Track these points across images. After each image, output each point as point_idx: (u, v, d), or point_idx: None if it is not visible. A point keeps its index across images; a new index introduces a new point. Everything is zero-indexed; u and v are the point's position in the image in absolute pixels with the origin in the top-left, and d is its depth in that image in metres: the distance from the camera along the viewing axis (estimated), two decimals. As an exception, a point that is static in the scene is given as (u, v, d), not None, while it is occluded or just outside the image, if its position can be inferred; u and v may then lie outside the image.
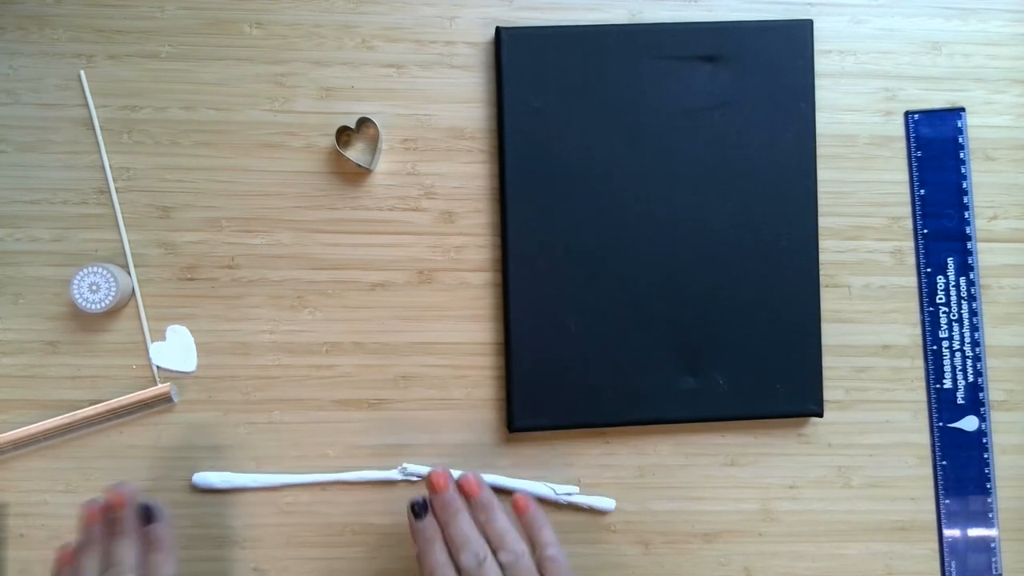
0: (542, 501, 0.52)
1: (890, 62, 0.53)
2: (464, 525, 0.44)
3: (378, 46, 0.51)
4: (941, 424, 0.53)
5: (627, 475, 0.52)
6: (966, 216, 0.53)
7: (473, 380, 0.51)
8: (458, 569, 0.43)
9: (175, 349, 0.50)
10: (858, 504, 0.53)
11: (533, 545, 0.45)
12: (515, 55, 0.50)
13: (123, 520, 0.44)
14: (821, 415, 0.52)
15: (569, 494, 0.51)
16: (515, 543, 0.44)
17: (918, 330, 0.53)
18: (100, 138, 0.50)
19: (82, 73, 0.50)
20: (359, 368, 0.51)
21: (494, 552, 0.44)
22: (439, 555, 0.44)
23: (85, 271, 0.48)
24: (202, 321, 0.51)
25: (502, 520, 0.45)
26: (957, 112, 0.53)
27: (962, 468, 0.53)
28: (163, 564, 0.44)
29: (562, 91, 0.50)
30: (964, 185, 0.53)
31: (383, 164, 0.51)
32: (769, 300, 0.51)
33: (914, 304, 0.53)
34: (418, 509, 0.44)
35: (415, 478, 0.50)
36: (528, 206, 0.50)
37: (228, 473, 0.50)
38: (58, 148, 0.50)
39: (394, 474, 0.51)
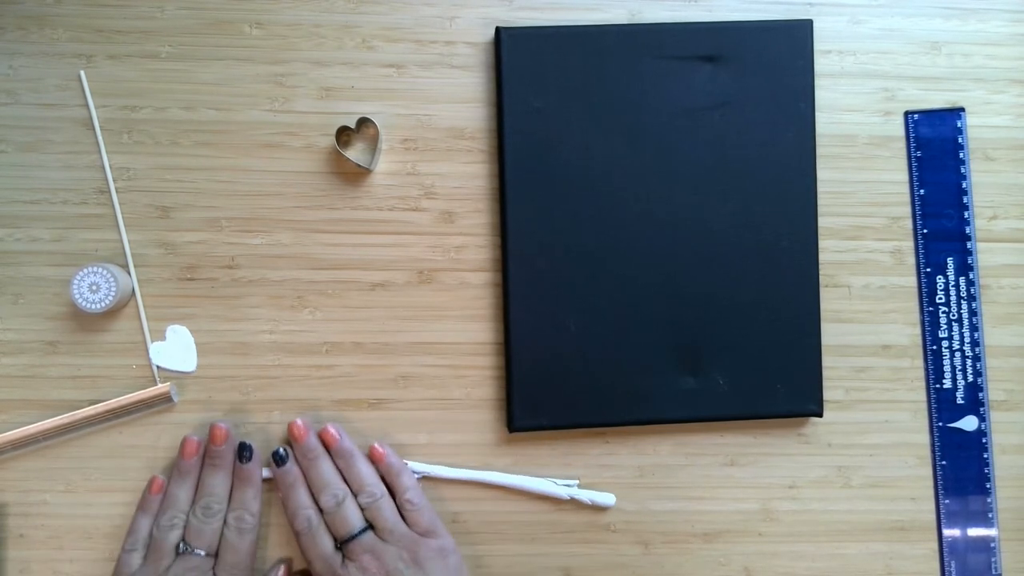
0: (544, 498, 0.52)
1: (890, 62, 0.53)
2: (324, 470, 0.48)
3: (378, 46, 0.51)
4: (941, 424, 0.53)
5: (627, 475, 0.52)
6: (966, 216, 0.53)
7: (473, 380, 0.51)
8: (320, 511, 0.47)
9: (175, 349, 0.50)
10: (858, 504, 0.53)
11: (393, 490, 0.48)
12: (515, 55, 0.50)
13: (221, 455, 0.48)
14: (821, 415, 0.52)
15: (569, 485, 0.51)
16: (373, 486, 0.48)
17: (918, 330, 0.53)
18: (100, 138, 0.50)
19: (82, 73, 0.50)
20: (359, 368, 0.51)
21: (354, 495, 0.48)
22: (302, 498, 0.48)
23: (85, 271, 0.48)
24: (202, 321, 0.51)
25: (361, 466, 0.48)
26: (957, 112, 0.53)
27: (962, 468, 0.53)
28: (252, 500, 0.48)
29: (562, 91, 0.50)
30: (964, 185, 0.53)
31: (383, 164, 0.51)
32: (769, 300, 0.51)
33: (914, 304, 0.53)
34: (279, 457, 0.48)
35: (418, 475, 0.50)
36: (528, 206, 0.50)
37: None
38: (58, 148, 0.50)
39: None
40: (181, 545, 0.46)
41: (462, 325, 0.51)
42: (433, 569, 0.46)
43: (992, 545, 0.53)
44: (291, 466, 0.48)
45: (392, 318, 0.51)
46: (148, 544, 0.47)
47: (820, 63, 0.52)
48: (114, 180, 0.50)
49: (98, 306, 0.48)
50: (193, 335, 0.50)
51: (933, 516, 0.53)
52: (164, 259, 0.50)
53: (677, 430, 0.52)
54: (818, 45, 0.52)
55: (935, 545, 0.53)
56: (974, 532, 0.53)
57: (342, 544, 0.47)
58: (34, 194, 0.50)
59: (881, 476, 0.53)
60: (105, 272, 0.48)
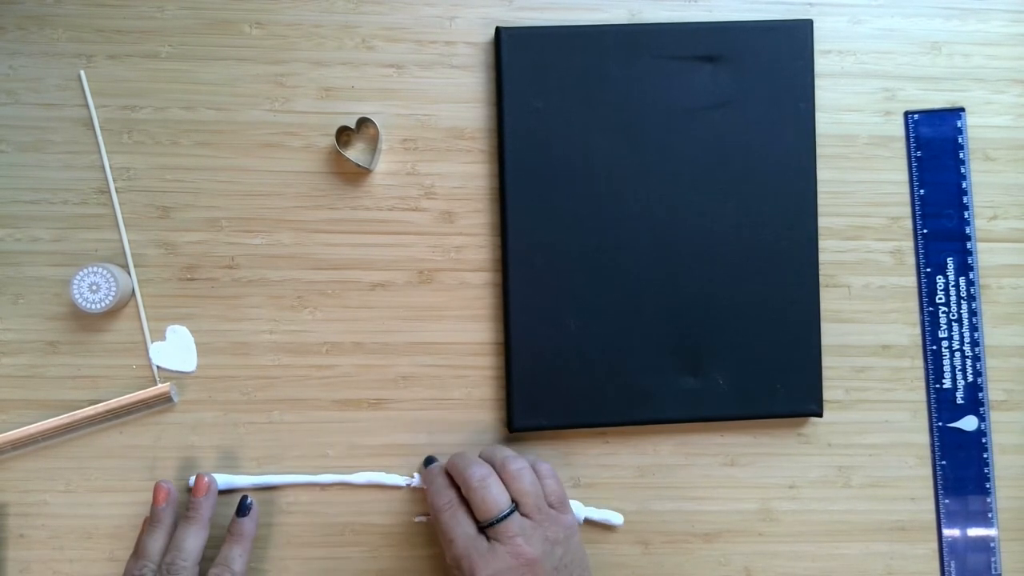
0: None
1: (890, 62, 0.53)
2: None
3: (378, 46, 0.51)
4: (941, 424, 0.53)
5: (627, 475, 0.52)
6: (966, 216, 0.53)
7: (473, 380, 0.51)
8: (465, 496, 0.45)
9: (175, 349, 0.50)
10: (858, 504, 0.53)
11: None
12: (515, 55, 0.50)
13: (198, 507, 0.47)
14: (821, 415, 0.52)
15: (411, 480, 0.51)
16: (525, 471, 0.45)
17: (918, 330, 0.53)
18: (100, 138, 0.50)
19: (82, 73, 0.50)
20: (359, 368, 0.51)
21: (514, 502, 0.45)
22: (462, 520, 0.44)
23: (85, 271, 0.48)
24: (202, 321, 0.51)
25: (524, 469, 0.45)
26: (957, 112, 0.53)
27: (962, 468, 0.53)
28: (238, 558, 0.47)
29: (562, 91, 0.50)
30: (964, 185, 0.53)
31: (383, 164, 0.51)
32: (769, 300, 0.51)
33: (914, 304, 0.53)
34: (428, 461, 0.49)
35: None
36: (528, 206, 0.50)
37: (227, 475, 0.50)
38: (58, 148, 0.50)
39: (398, 479, 0.51)
40: None
41: (462, 325, 0.51)
42: (572, 541, 0.45)
43: (992, 545, 0.53)
44: (446, 484, 0.46)
45: (392, 318, 0.51)
46: None
47: (820, 63, 0.52)
48: (114, 180, 0.50)
49: (98, 306, 0.48)
50: (193, 335, 0.50)
51: (933, 516, 0.53)
52: (164, 259, 0.50)
53: (677, 430, 0.52)
54: (818, 45, 0.52)
55: (935, 545, 0.53)
56: (974, 532, 0.53)
57: (487, 527, 0.44)
58: (34, 194, 0.50)
59: (881, 476, 0.53)
60: (105, 272, 0.48)
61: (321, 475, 0.50)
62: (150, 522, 0.47)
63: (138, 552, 0.46)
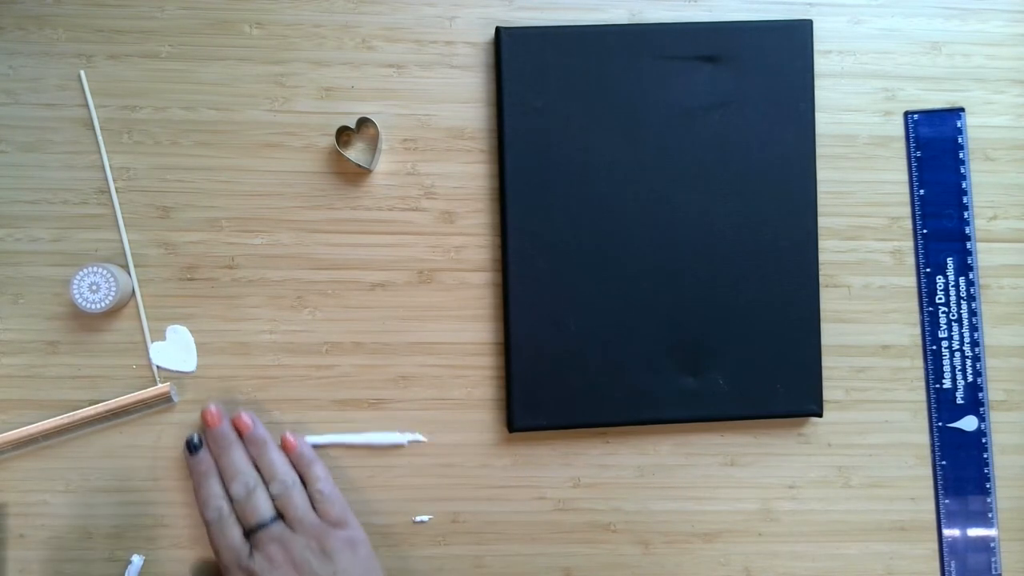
0: (544, 498, 0.52)
1: (890, 62, 0.53)
2: (235, 458, 0.48)
3: (378, 46, 0.51)
4: (941, 424, 0.53)
5: (627, 475, 0.52)
6: (966, 216, 0.53)
7: (473, 380, 0.51)
8: (231, 499, 0.47)
9: (175, 349, 0.50)
10: (858, 504, 0.53)
11: (305, 480, 0.48)
12: (515, 55, 0.50)
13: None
14: (821, 415, 0.52)
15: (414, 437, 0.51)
16: (285, 475, 0.48)
17: (918, 330, 0.53)
18: (100, 138, 0.50)
19: (82, 73, 0.50)
20: (359, 368, 0.51)
21: (266, 484, 0.47)
22: (214, 487, 0.47)
23: (85, 271, 0.48)
24: (202, 321, 0.51)
25: (273, 454, 0.48)
26: (957, 112, 0.53)
27: (962, 468, 0.53)
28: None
29: (562, 91, 0.50)
30: (964, 185, 0.53)
31: (383, 164, 0.51)
32: (769, 300, 0.51)
33: (914, 304, 0.53)
34: (192, 444, 0.48)
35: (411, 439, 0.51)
36: (528, 206, 0.50)
37: None
38: (58, 148, 0.50)
39: (399, 437, 0.51)
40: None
41: (462, 325, 0.51)
42: (342, 560, 0.45)
43: (992, 545, 0.53)
44: (204, 454, 0.48)
45: (392, 318, 0.51)
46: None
47: (820, 63, 0.52)
48: (114, 180, 0.50)
49: (98, 306, 0.48)
50: (193, 335, 0.50)
51: (933, 516, 0.53)
52: (164, 259, 0.50)
53: (677, 430, 0.52)
54: (818, 45, 0.52)
55: (935, 545, 0.53)
56: (974, 532, 0.53)
57: (250, 534, 0.46)
58: (34, 194, 0.50)
59: (881, 476, 0.53)
60: (105, 272, 0.48)
61: (322, 436, 0.51)
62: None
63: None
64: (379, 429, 0.51)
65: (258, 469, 0.48)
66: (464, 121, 0.51)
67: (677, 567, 0.52)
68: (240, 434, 0.48)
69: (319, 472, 0.48)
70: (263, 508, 0.46)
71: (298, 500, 0.47)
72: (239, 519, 0.47)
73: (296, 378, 0.51)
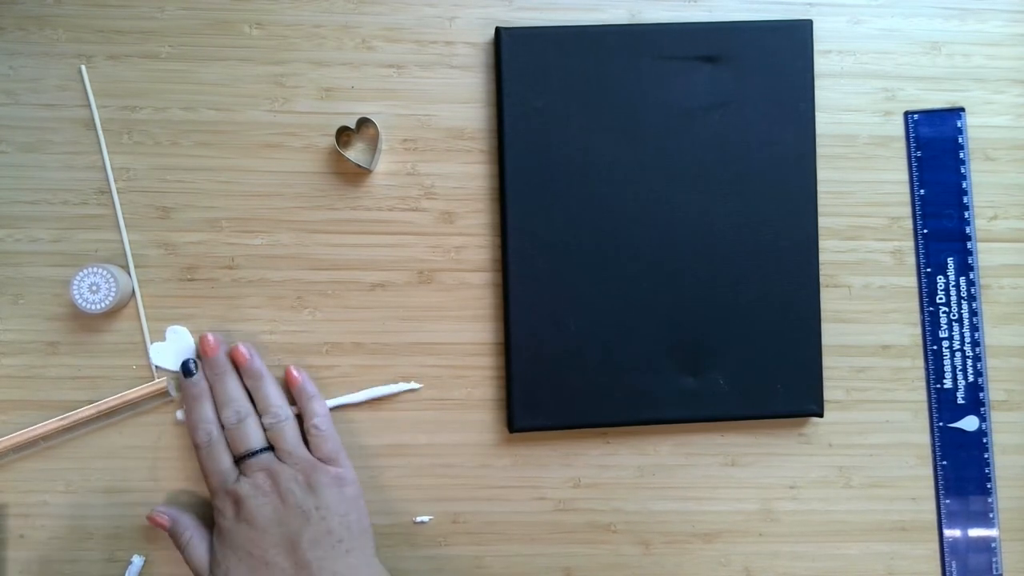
0: (544, 498, 0.52)
1: (890, 62, 0.53)
2: (230, 386, 0.48)
3: (378, 46, 0.51)
4: (941, 424, 0.53)
5: (627, 475, 0.52)
6: (966, 216, 0.53)
7: (473, 380, 0.51)
8: (223, 427, 0.47)
9: (175, 349, 0.50)
10: (858, 504, 0.53)
11: (303, 414, 0.49)
12: (515, 55, 0.50)
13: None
14: (821, 415, 0.52)
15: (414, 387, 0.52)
16: (279, 408, 0.48)
17: (918, 330, 0.53)
18: (101, 137, 0.50)
19: (83, 68, 0.50)
20: (359, 368, 0.51)
21: (260, 416, 0.48)
22: (205, 411, 0.48)
23: (85, 271, 0.48)
24: (202, 321, 0.50)
25: (270, 387, 0.49)
26: (957, 112, 0.53)
27: (962, 468, 0.53)
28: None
29: (562, 91, 0.50)
30: (964, 185, 0.53)
31: (383, 164, 0.51)
32: (769, 300, 0.51)
33: (914, 304, 0.53)
34: (187, 368, 0.49)
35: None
36: (528, 206, 0.50)
37: None
38: (58, 148, 0.50)
39: (404, 385, 0.51)
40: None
41: (462, 325, 0.51)
42: (327, 495, 0.46)
43: (993, 545, 0.53)
44: (199, 378, 0.48)
45: (392, 318, 0.51)
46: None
47: (820, 63, 0.52)
48: (114, 180, 0.50)
49: (98, 306, 0.48)
50: (193, 335, 0.50)
51: (934, 516, 0.53)
52: (164, 259, 0.50)
53: (677, 430, 0.52)
54: (818, 45, 0.52)
55: (936, 545, 0.53)
56: (975, 532, 0.53)
57: (240, 461, 0.47)
58: (34, 194, 0.50)
59: (881, 476, 0.53)
60: (105, 272, 0.48)
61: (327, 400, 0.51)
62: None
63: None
64: (379, 430, 0.51)
65: (254, 402, 0.48)
66: (464, 121, 0.51)
67: (677, 567, 0.52)
68: (237, 366, 0.49)
69: (317, 408, 0.49)
70: (253, 437, 0.47)
71: (289, 433, 0.47)
72: (229, 446, 0.47)
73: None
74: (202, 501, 0.50)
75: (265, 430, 0.48)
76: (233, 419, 0.47)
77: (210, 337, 0.49)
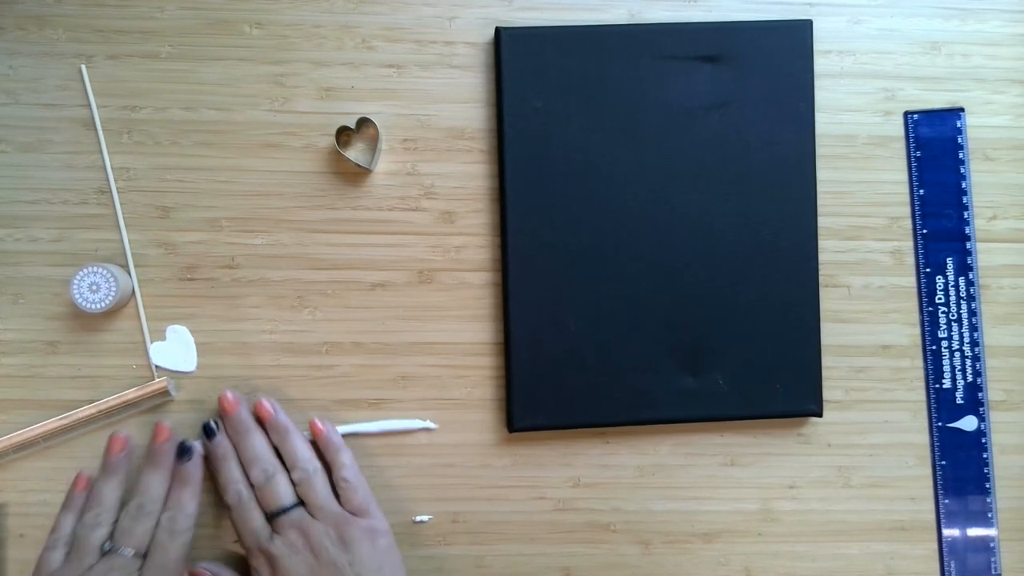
0: (544, 498, 0.52)
1: (889, 62, 0.53)
2: (255, 443, 0.47)
3: (378, 46, 0.51)
4: (940, 424, 0.53)
5: (627, 475, 0.52)
6: (965, 216, 0.53)
7: (473, 380, 0.51)
8: (252, 486, 0.47)
9: (175, 349, 0.50)
10: (858, 504, 0.53)
11: (331, 467, 0.48)
12: (515, 55, 0.50)
13: (162, 453, 0.47)
14: (821, 415, 0.52)
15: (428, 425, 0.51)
16: (307, 462, 0.47)
17: (917, 330, 0.53)
18: (101, 137, 0.50)
19: (83, 68, 0.50)
20: (359, 368, 0.51)
21: (288, 471, 0.47)
22: (233, 471, 0.47)
23: (85, 271, 0.48)
24: (202, 321, 0.51)
25: (296, 441, 0.48)
26: (956, 112, 0.53)
27: (961, 468, 0.53)
28: (189, 501, 0.46)
29: (562, 91, 0.50)
30: (963, 185, 0.53)
31: (383, 164, 0.51)
32: (769, 300, 0.51)
33: (914, 304, 0.53)
34: (209, 429, 0.48)
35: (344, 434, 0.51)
36: (528, 206, 0.50)
37: None
38: (58, 148, 0.50)
39: (419, 423, 0.51)
40: (107, 544, 0.45)
41: (462, 325, 0.51)
42: (360, 550, 0.45)
43: (992, 545, 0.53)
44: (222, 439, 0.48)
45: (392, 318, 0.51)
46: (71, 542, 0.46)
47: (820, 63, 0.52)
48: (114, 180, 0.50)
49: (98, 306, 0.48)
50: (193, 335, 0.50)
51: (933, 516, 0.53)
52: (164, 259, 0.50)
53: (677, 430, 0.52)
54: (818, 45, 0.52)
55: (935, 545, 0.53)
56: (974, 532, 0.53)
57: (271, 519, 0.46)
58: (34, 194, 0.50)
59: (881, 476, 0.53)
60: (105, 272, 0.48)
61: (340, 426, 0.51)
62: (104, 470, 0.47)
63: (94, 500, 0.46)
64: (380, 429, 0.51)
65: (280, 455, 0.48)
66: (464, 121, 0.51)
67: (677, 567, 0.52)
68: (261, 421, 0.48)
69: (345, 459, 0.48)
70: (283, 494, 0.46)
71: (319, 487, 0.47)
72: (259, 504, 0.46)
73: (296, 378, 0.51)
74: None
75: (294, 485, 0.47)
76: (261, 478, 0.46)
77: (229, 395, 0.48)
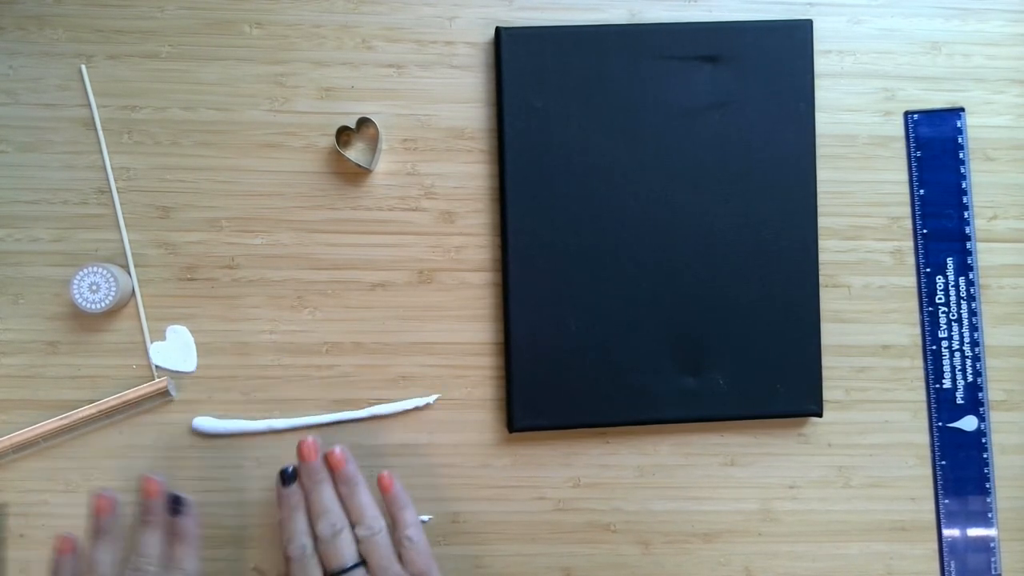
0: (544, 498, 0.52)
1: (889, 62, 0.53)
2: (325, 496, 0.45)
3: (378, 46, 0.51)
4: (940, 424, 0.53)
5: (627, 475, 0.52)
6: (966, 216, 0.53)
7: (473, 380, 0.51)
8: (316, 538, 0.45)
9: (175, 349, 0.50)
10: (858, 504, 0.53)
11: (394, 524, 0.46)
12: (515, 55, 0.50)
13: (155, 510, 0.45)
14: (821, 415, 0.52)
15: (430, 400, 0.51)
16: (373, 519, 0.45)
17: (918, 330, 0.53)
18: (101, 137, 0.50)
19: (83, 67, 0.50)
20: (359, 368, 0.51)
21: (353, 526, 0.45)
22: (300, 523, 0.45)
23: (85, 271, 0.48)
24: (202, 321, 0.51)
25: (363, 496, 0.46)
26: (957, 112, 0.53)
27: (961, 468, 0.53)
28: (187, 558, 0.44)
29: (562, 91, 0.50)
30: (964, 185, 0.53)
31: (383, 164, 0.51)
32: (769, 300, 0.51)
33: (914, 304, 0.53)
34: (287, 475, 0.46)
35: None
36: (528, 206, 0.50)
37: (230, 420, 0.50)
38: (58, 148, 0.50)
39: (417, 401, 0.51)
40: None
41: (462, 325, 0.51)
42: None
43: (992, 545, 0.53)
44: (296, 488, 0.45)
45: (392, 318, 0.51)
46: None
47: (820, 63, 0.52)
48: (114, 180, 0.50)
49: (98, 306, 0.48)
50: (193, 335, 0.50)
51: (933, 516, 0.53)
52: (164, 259, 0.50)
53: (677, 430, 0.52)
54: (818, 45, 0.52)
55: (935, 545, 0.53)
56: (974, 532, 0.53)
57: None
58: (34, 194, 0.50)
59: (881, 476, 0.53)
60: (105, 272, 0.48)
61: (333, 414, 0.50)
62: (95, 534, 0.44)
63: (89, 568, 0.43)
64: (380, 429, 0.51)
65: (345, 507, 0.46)
66: (464, 121, 0.51)
67: (677, 567, 0.52)
68: (331, 470, 0.46)
69: (409, 518, 0.46)
70: (347, 552, 0.44)
71: (384, 548, 0.45)
72: (321, 559, 0.44)
73: (296, 378, 0.51)
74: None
75: (357, 541, 0.45)
76: (328, 532, 0.44)
77: (309, 439, 0.45)
